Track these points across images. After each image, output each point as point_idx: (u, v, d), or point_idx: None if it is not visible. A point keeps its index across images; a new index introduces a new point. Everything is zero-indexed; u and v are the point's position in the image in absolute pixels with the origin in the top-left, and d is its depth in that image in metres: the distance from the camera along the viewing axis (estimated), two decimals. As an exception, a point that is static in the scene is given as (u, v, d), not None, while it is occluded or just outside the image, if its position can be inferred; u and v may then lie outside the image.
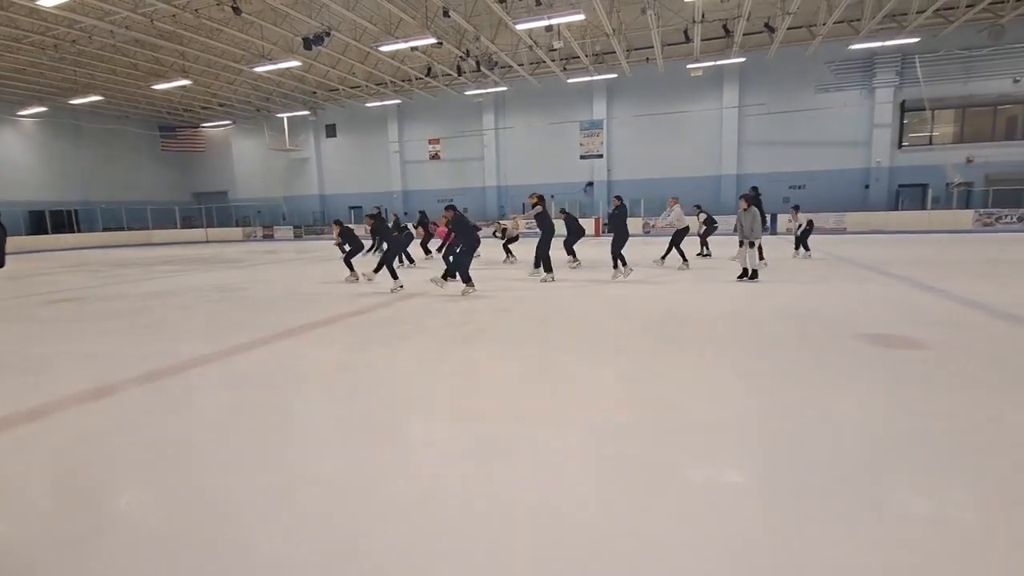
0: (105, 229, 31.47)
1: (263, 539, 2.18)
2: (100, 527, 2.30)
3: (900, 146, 23.81)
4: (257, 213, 36.10)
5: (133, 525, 2.34)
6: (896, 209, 23.60)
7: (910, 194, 23.89)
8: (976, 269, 9.92)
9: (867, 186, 24.04)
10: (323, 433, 3.30)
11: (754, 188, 11.54)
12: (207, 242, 32.77)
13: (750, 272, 8.88)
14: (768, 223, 22.04)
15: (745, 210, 8.77)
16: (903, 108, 23.39)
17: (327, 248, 22.80)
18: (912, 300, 7.05)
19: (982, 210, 21.75)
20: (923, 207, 23.26)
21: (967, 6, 18.79)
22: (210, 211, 35.71)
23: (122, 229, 31.93)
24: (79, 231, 30.60)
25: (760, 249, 9.43)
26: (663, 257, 11.66)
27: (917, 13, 18.93)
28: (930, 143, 23.71)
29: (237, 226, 35.78)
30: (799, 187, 24.71)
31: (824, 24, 19.56)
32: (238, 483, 2.64)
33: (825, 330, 5.49)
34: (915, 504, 2.33)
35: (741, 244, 8.90)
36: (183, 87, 25.67)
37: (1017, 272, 9.44)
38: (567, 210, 14.18)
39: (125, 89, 27.02)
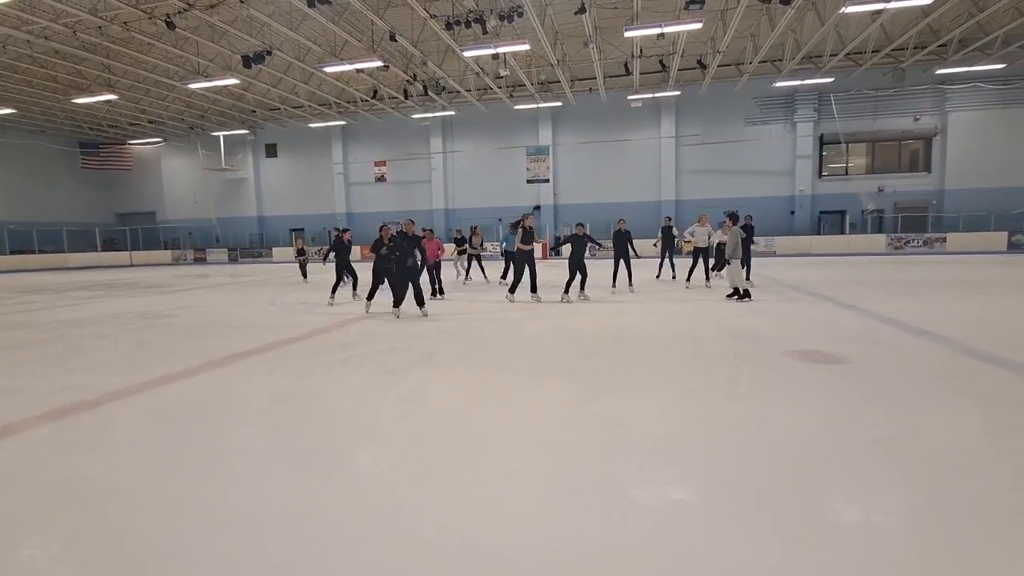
0: (13, 252, 28.89)
1: (185, 588, 1.99)
2: (-10, 586, 2.03)
3: (820, 176, 25.78)
4: (188, 235, 34.28)
5: (31, 581, 2.08)
6: (819, 233, 25.40)
7: (830, 220, 25.81)
8: (891, 288, 10.74)
9: (793, 212, 25.78)
10: (256, 467, 3.08)
11: (746, 216, 11.87)
12: (131, 266, 30.76)
13: (741, 291, 9.15)
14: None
15: (731, 228, 9.08)
16: (822, 141, 25.42)
17: (265, 271, 21.88)
18: (836, 318, 7.52)
19: (893, 234, 23.77)
20: (842, 231, 25.19)
21: (873, 51, 20.80)
22: (136, 233, 33.61)
23: (33, 252, 29.41)
24: (-18, 253, 28.01)
25: (748, 270, 9.63)
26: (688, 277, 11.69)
27: (831, 56, 20.76)
28: (846, 173, 25.83)
29: (166, 248, 33.84)
30: (734, 212, 26.20)
31: (751, 63, 21.09)
32: (158, 524, 2.41)
33: (759, 347, 5.74)
34: (846, 511, 2.43)
35: (729, 263, 9.15)
36: (108, 102, 24.29)
37: (926, 291, 10.30)
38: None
39: (42, 102, 25.27)
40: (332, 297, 10.08)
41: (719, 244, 11.48)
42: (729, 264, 9.20)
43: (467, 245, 13.81)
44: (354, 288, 11.07)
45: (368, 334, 7.13)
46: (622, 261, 10.85)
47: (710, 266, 11.70)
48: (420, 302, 8.24)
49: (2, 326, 8.63)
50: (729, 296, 9.31)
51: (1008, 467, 2.83)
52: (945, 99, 23.70)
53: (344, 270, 10.76)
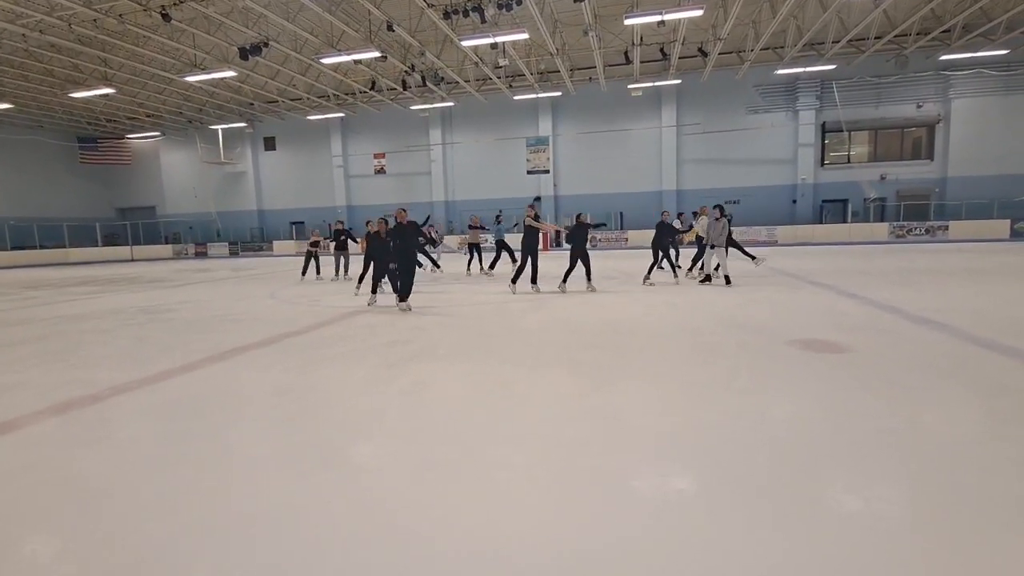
0: (15, 248, 28.92)
1: (187, 584, 1.99)
2: (-7, 583, 2.03)
3: (822, 164, 25.64)
4: (189, 229, 34.27)
5: (33, 578, 2.08)
6: (821, 222, 25.32)
7: (832, 208, 25.71)
8: (893, 277, 10.70)
9: (795, 201, 25.68)
10: (258, 462, 3.09)
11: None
12: (132, 260, 30.76)
13: (719, 277, 10.06)
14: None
15: (717, 219, 9.81)
16: (824, 129, 25.24)
17: (266, 265, 21.87)
18: (838, 306, 7.49)
19: (895, 223, 23.68)
20: (844, 220, 25.10)
21: (876, 37, 20.59)
22: (136, 227, 33.61)
23: (34, 247, 29.44)
24: (-17, 250, 28.03)
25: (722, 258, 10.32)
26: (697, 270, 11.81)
27: (833, 42, 20.56)
28: (848, 161, 25.68)
29: (167, 243, 33.87)
30: (734, 202, 26.09)
31: (752, 50, 20.89)
32: (160, 521, 2.41)
33: (760, 337, 5.73)
34: (849, 503, 2.42)
35: (714, 247, 10.03)
36: (105, 96, 24.14)
37: (929, 279, 10.26)
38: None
39: (39, 97, 25.17)
40: (368, 290, 10.14)
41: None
42: (714, 248, 10.04)
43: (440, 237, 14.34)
44: (359, 282, 11.02)
45: (369, 327, 7.12)
46: (660, 252, 11.16)
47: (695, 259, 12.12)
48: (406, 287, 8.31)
49: (3, 322, 8.64)
50: (702, 282, 10.33)
51: (1012, 456, 2.81)
52: (948, 86, 23.51)
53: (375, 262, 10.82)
